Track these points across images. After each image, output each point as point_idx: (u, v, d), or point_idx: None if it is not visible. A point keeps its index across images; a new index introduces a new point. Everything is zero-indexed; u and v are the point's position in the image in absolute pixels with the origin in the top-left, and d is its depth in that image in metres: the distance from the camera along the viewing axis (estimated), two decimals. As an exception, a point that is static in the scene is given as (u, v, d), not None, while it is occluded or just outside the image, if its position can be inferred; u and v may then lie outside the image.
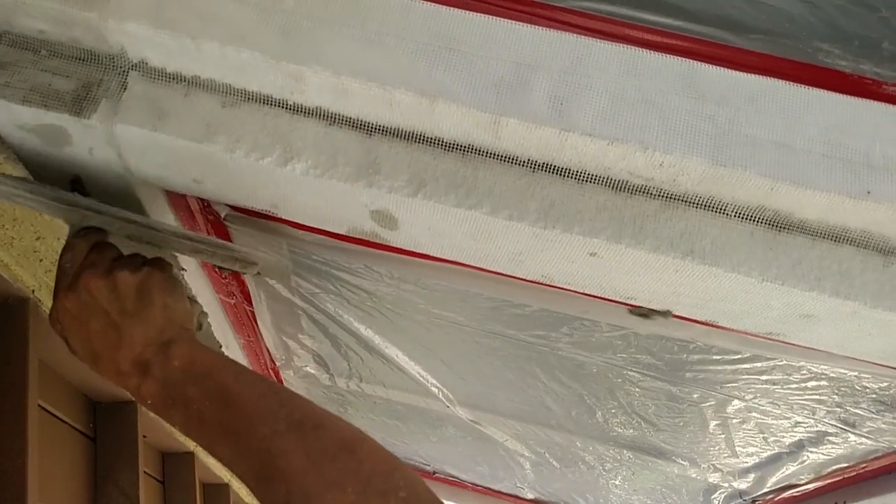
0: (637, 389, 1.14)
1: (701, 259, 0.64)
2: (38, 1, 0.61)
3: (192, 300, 0.76)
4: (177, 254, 0.79)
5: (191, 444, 2.44)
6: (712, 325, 0.76)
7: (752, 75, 0.65)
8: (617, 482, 1.68)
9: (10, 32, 0.66)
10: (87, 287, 0.68)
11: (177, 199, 0.81)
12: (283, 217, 0.72)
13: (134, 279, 0.68)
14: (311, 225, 0.73)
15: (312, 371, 1.40)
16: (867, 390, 0.96)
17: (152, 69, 0.66)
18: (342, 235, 0.80)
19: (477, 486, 1.99)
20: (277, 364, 1.39)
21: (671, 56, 0.65)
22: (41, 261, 1.20)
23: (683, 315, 0.73)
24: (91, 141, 0.67)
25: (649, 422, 1.27)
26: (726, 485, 1.49)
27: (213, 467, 2.73)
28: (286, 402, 0.65)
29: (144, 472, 2.04)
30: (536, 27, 0.64)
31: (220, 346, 1.17)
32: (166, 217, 0.82)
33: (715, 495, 1.57)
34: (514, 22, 0.64)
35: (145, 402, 0.68)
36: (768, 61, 0.69)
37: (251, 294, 1.07)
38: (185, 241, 0.77)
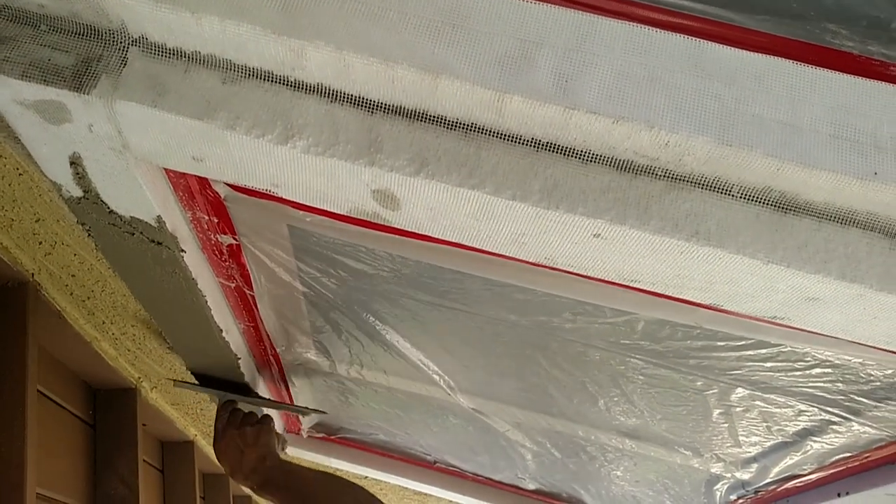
0: (640, 377, 1.13)
1: (706, 241, 0.63)
2: (38, -26, 0.61)
3: (280, 436, 1.47)
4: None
5: (191, 433, 2.44)
6: (717, 309, 0.76)
7: (760, 55, 0.64)
8: (619, 473, 1.67)
9: (9, 7, 0.65)
10: (229, 436, 1.33)
11: (176, 179, 0.80)
12: (284, 197, 0.71)
13: (253, 430, 1.33)
14: (313, 205, 0.72)
15: (313, 357, 1.39)
16: (872, 378, 0.95)
17: (152, 44, 0.65)
18: (343, 216, 0.79)
19: (478, 476, 1.99)
20: (278, 350, 1.38)
21: (678, 34, 0.64)
22: (41, 244, 1.20)
23: (688, 298, 0.72)
24: (90, 117, 0.66)
25: (652, 410, 1.26)
26: (729, 475, 1.49)
27: (213, 457, 2.73)
28: (349, 494, 1.22)
29: (144, 460, 2.05)
30: (542, 3, 0.63)
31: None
32: (167, 198, 0.82)
33: (717, 486, 1.56)
34: (519, -2, 0.63)
35: (255, 490, 1.29)
36: (775, 41, 0.68)
37: (251, 278, 1.06)
38: (276, 406, 1.49)
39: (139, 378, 1.91)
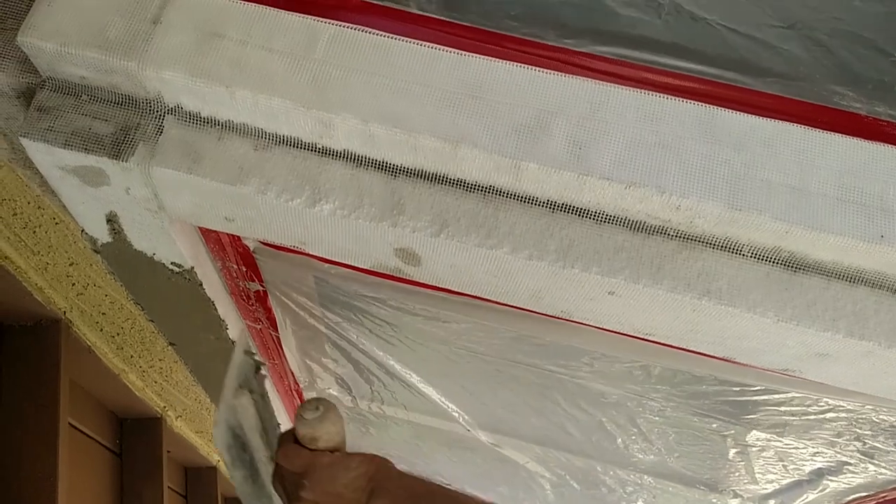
0: (657, 418, 1.15)
1: (717, 299, 0.65)
2: (81, 51, 0.64)
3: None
4: None
5: (213, 459, 2.47)
6: (730, 361, 0.78)
7: (768, 119, 0.66)
8: (643, 506, 1.68)
9: (53, 79, 0.69)
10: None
11: (208, 233, 0.84)
12: (311, 253, 0.74)
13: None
14: (338, 261, 0.75)
15: (335, 393, 1.42)
16: (884, 423, 0.97)
17: (187, 113, 0.68)
18: (367, 270, 0.82)
19: (497, 506, 2.00)
20: (301, 386, 1.41)
21: (688, 101, 0.66)
22: (73, 285, 1.24)
23: (701, 351, 0.74)
24: (128, 182, 0.70)
25: (669, 449, 1.27)
26: (747, 510, 1.50)
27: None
28: None
29: (168, 486, 2.08)
30: (557, 74, 0.66)
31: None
32: (199, 250, 0.85)
33: (735, 521, 1.57)
34: (535, 68, 0.66)
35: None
36: (784, 104, 0.71)
37: (277, 321, 1.09)
38: None
39: (164, 407, 1.95)
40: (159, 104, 0.69)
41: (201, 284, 0.88)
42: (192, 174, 0.67)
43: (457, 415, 1.32)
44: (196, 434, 2.22)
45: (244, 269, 0.93)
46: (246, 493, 1.04)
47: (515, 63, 0.66)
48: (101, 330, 1.42)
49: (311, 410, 0.90)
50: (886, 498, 1.19)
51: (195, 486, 2.51)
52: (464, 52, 0.66)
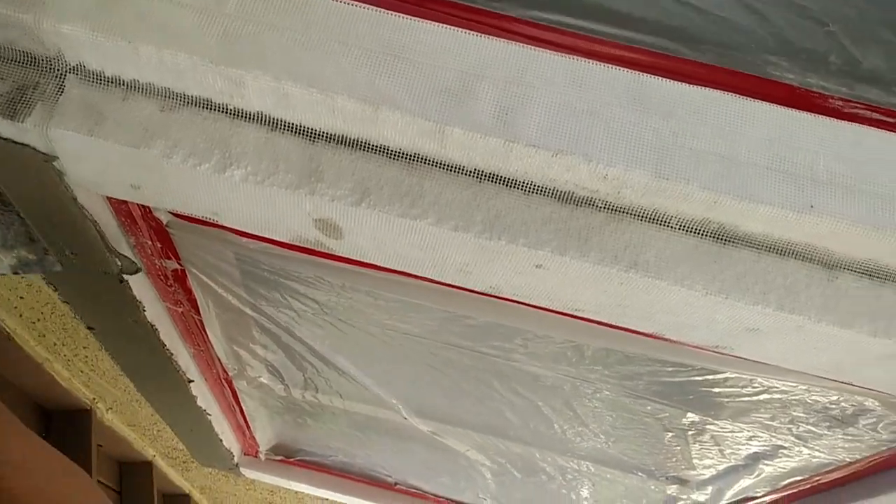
0: (592, 401, 1.14)
1: (645, 272, 0.64)
2: (-30, 1, 0.60)
3: None
4: None
5: (149, 454, 2.40)
6: (661, 339, 0.76)
7: (699, 87, 0.65)
8: (578, 493, 1.67)
9: (-59, 32, 0.64)
10: None
11: (118, 205, 0.79)
12: (225, 225, 0.70)
13: None
14: (255, 233, 0.71)
15: (266, 381, 1.37)
16: (817, 404, 0.96)
17: (90, 72, 0.64)
18: (288, 244, 0.79)
19: (439, 497, 1.97)
20: (230, 374, 1.36)
21: (618, 68, 0.64)
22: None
23: (631, 327, 0.73)
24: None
25: (606, 434, 1.26)
26: (685, 497, 1.49)
27: (172, 477, 2.69)
28: None
29: (99, 481, 2.01)
30: (483, 36, 0.64)
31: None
32: (109, 223, 0.80)
33: (674, 507, 1.57)
34: (461, 30, 0.64)
35: None
36: (716, 73, 0.69)
37: (198, 303, 1.04)
38: None
39: (94, 399, 1.88)
40: (60, 62, 0.64)
41: (114, 261, 0.83)
42: (93, 136, 0.62)
43: (393, 402, 1.29)
44: (129, 427, 2.15)
45: (159, 246, 0.88)
46: None
47: (439, 24, 0.63)
48: (21, 315, 1.36)
49: None
50: (821, 482, 1.19)
51: (130, 481, 2.43)
52: (385, 10, 0.63)
